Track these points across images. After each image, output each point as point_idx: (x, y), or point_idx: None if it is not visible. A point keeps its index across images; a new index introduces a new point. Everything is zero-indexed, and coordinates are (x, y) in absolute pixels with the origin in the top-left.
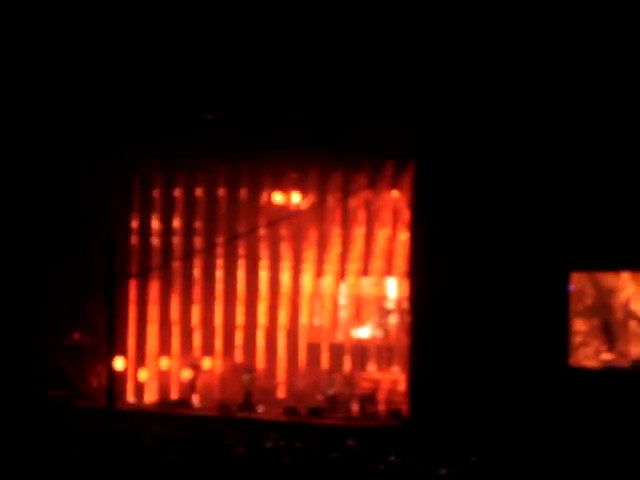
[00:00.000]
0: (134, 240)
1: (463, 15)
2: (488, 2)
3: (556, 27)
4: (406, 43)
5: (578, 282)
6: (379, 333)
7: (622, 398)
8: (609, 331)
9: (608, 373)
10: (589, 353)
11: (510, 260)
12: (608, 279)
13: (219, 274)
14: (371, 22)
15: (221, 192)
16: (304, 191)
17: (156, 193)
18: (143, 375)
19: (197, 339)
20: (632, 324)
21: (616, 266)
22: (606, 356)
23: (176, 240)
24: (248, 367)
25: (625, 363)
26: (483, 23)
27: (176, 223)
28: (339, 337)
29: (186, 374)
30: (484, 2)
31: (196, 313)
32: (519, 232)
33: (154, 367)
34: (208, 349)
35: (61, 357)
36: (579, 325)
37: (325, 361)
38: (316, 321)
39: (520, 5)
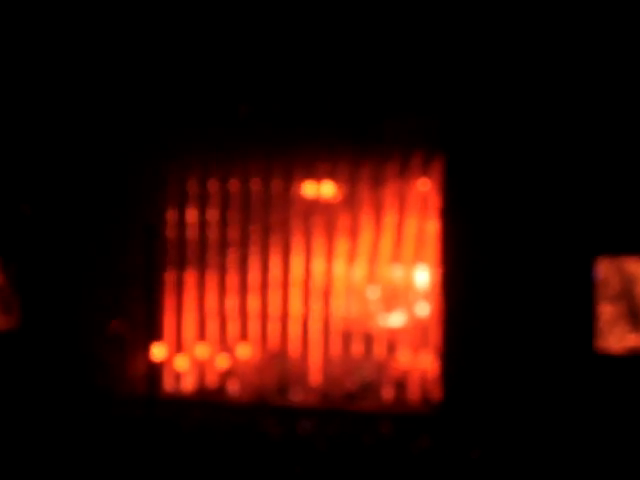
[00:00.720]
0: (170, 232)
1: (492, 6)
2: None
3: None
4: (436, 32)
5: (604, 268)
6: (411, 320)
7: None
8: (636, 317)
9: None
10: (615, 339)
11: (538, 247)
12: (633, 265)
13: (253, 264)
14: (399, 11)
15: (254, 184)
16: (336, 182)
17: (191, 186)
18: (181, 363)
19: (232, 327)
20: None
21: None
22: (633, 341)
23: (211, 232)
24: (282, 355)
25: None
26: (512, 15)
27: (210, 215)
28: (371, 324)
29: (222, 362)
30: None
31: (231, 302)
32: (546, 219)
33: (191, 355)
34: (243, 337)
35: (101, 346)
36: (606, 311)
37: (357, 348)
38: (348, 309)
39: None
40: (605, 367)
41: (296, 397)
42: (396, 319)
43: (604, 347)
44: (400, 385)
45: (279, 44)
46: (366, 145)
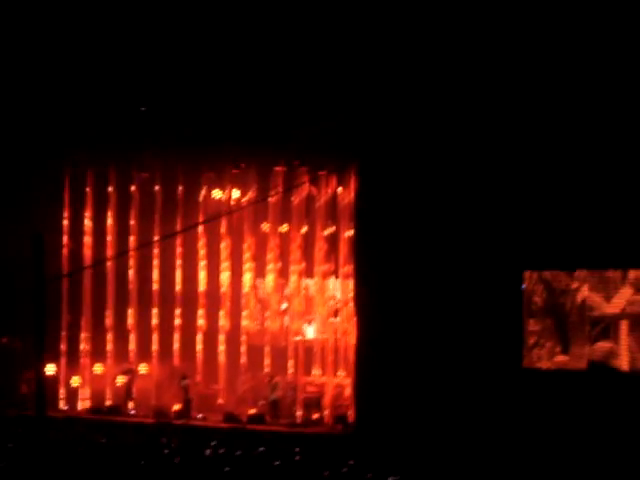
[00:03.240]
0: (65, 239)
1: (407, 16)
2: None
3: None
4: (352, 44)
5: (530, 282)
6: (324, 335)
7: (577, 400)
8: (563, 332)
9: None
10: (543, 355)
11: (460, 259)
12: (562, 279)
13: (155, 274)
14: (317, 23)
15: (157, 188)
16: (244, 187)
17: (88, 190)
18: (76, 381)
19: (132, 343)
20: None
21: (570, 266)
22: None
23: (110, 239)
24: (185, 372)
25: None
26: (427, 25)
27: (109, 221)
28: (281, 340)
29: (121, 379)
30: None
31: (131, 316)
32: (469, 230)
33: (87, 372)
34: (144, 353)
35: None
36: (533, 325)
37: (267, 365)
38: (257, 323)
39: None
40: (531, 382)
41: (200, 417)
42: (309, 334)
43: (531, 363)
44: (312, 404)
45: (189, 47)
46: (277, 150)
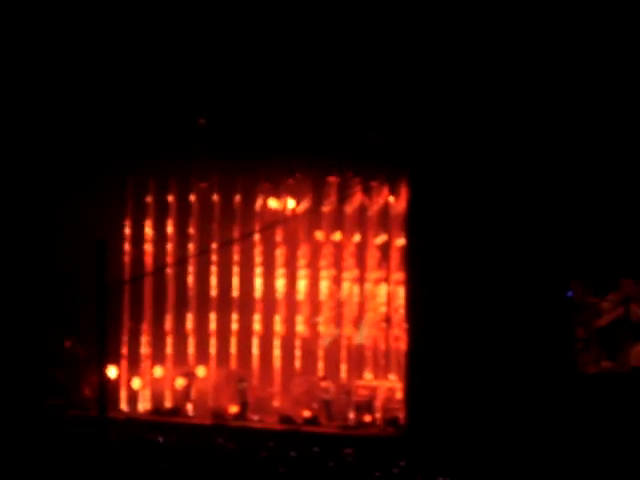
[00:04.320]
0: (127, 246)
1: (456, 26)
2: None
3: (548, 39)
4: (404, 55)
5: (576, 290)
6: (376, 340)
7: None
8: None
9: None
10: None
11: (509, 267)
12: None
13: (213, 281)
14: (368, 32)
15: (215, 198)
16: (299, 197)
17: (149, 199)
18: (137, 383)
19: (191, 346)
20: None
21: (615, 275)
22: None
23: (169, 246)
24: (242, 375)
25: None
26: (475, 36)
27: (170, 229)
28: (335, 344)
29: (180, 382)
30: (474, 15)
31: (190, 320)
32: (520, 238)
33: (148, 375)
34: (202, 357)
35: (55, 366)
36: (580, 332)
37: (321, 368)
38: (312, 328)
39: (508, 17)
40: (580, 387)
41: (256, 418)
42: (361, 339)
43: (578, 367)
44: (365, 406)
45: (243, 60)
46: (330, 161)
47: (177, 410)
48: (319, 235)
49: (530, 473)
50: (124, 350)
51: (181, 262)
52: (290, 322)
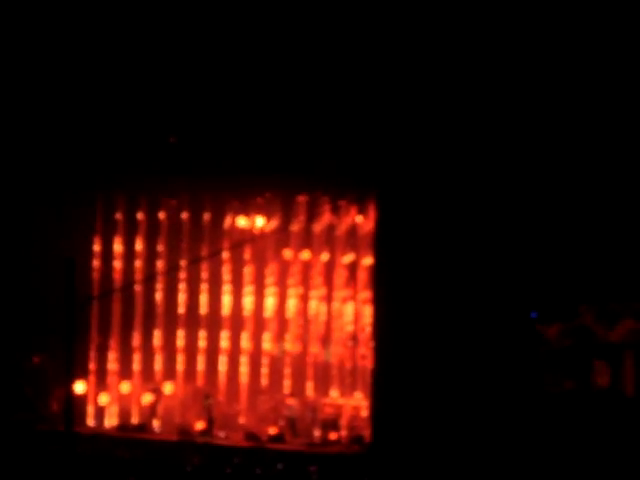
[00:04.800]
0: (95, 263)
1: (423, 46)
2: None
3: (529, 56)
4: (370, 76)
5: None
6: (342, 358)
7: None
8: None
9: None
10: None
11: (475, 288)
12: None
13: (181, 298)
14: (336, 54)
15: (184, 216)
16: (268, 215)
17: (119, 216)
18: (104, 399)
19: (158, 363)
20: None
21: (578, 301)
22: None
23: (138, 263)
24: (209, 392)
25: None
26: (444, 55)
27: (139, 246)
28: (302, 362)
29: (147, 398)
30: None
31: (158, 337)
32: (484, 262)
33: (115, 391)
34: (169, 373)
35: (22, 381)
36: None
37: (287, 386)
38: (278, 346)
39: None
40: (546, 406)
41: (223, 435)
42: (328, 357)
43: (544, 387)
44: (330, 424)
45: (216, 80)
46: (299, 180)
47: (144, 426)
48: (287, 253)
49: None
50: (92, 366)
51: (150, 279)
52: (257, 339)
